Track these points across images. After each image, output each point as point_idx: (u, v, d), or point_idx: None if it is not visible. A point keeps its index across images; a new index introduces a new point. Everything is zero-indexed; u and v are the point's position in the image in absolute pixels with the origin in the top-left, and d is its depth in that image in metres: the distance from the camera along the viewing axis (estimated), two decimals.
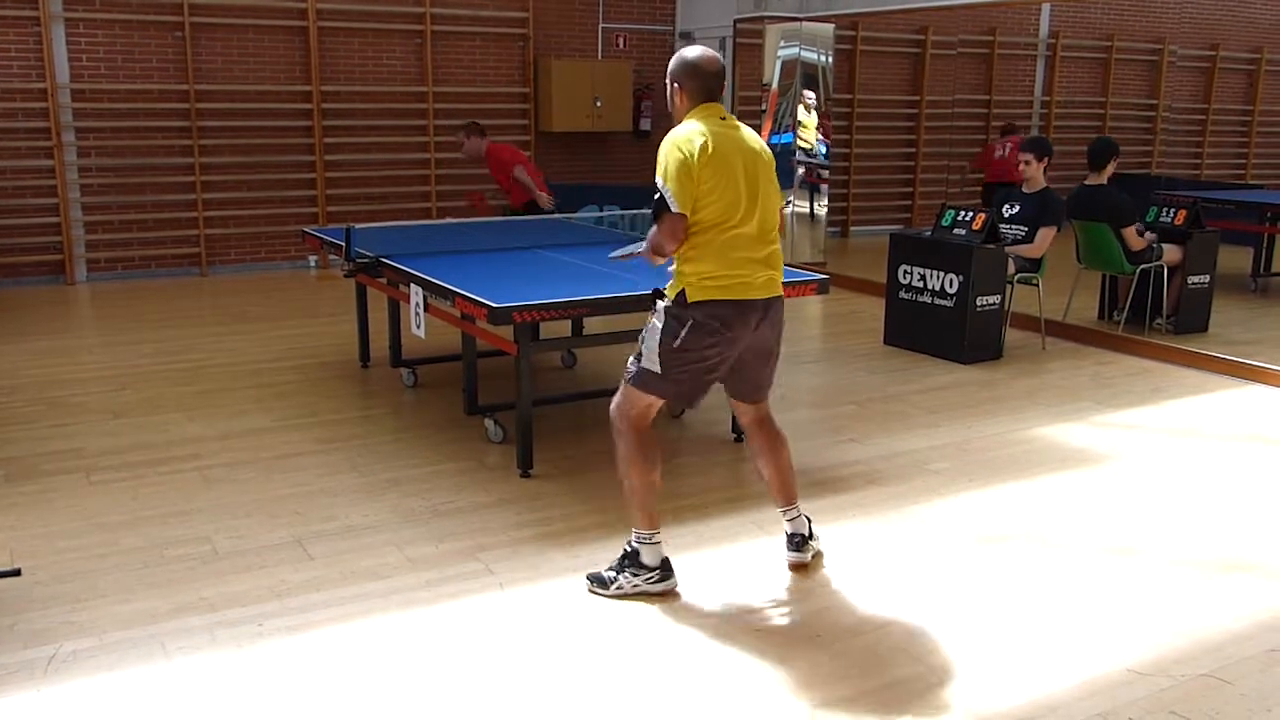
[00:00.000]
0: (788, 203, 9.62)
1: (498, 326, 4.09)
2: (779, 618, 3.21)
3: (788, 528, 3.54)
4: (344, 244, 5.16)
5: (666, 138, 3.13)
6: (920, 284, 6.49)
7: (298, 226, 8.85)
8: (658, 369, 3.21)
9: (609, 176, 10.75)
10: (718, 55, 3.25)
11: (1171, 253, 6.85)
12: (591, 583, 3.36)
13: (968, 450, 4.73)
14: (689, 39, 10.88)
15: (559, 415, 5.18)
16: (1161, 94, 12.04)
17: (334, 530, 3.79)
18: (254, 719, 2.66)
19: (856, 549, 3.70)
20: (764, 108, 9.78)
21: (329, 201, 9.39)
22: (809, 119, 9.60)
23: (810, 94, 9.54)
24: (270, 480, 4.28)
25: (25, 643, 2.99)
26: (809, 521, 3.59)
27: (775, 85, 9.62)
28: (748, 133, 3.26)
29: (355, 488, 4.21)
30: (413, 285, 4.73)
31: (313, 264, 9.44)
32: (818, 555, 3.60)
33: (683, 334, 3.16)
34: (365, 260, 5.12)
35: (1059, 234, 6.47)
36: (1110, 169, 6.78)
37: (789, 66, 9.48)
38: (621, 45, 10.61)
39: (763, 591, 3.38)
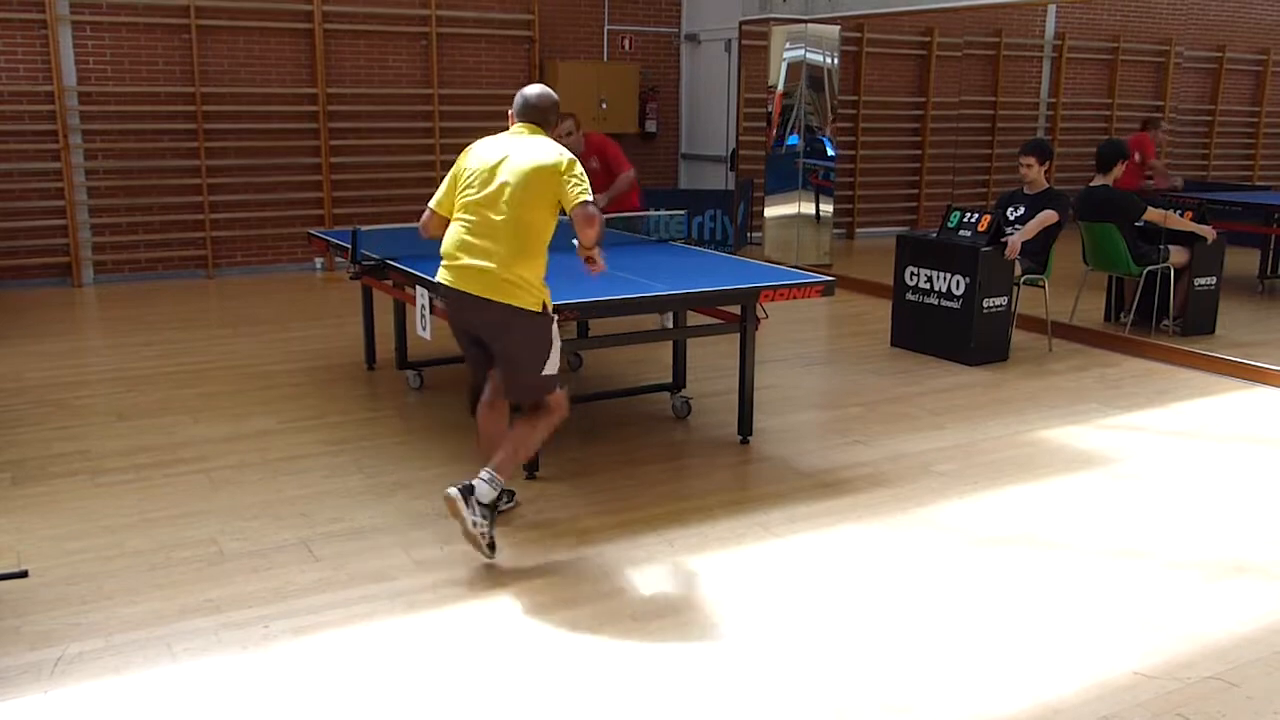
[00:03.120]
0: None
1: None
2: (785, 619, 3.20)
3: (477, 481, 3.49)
4: (350, 246, 5.17)
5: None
6: (927, 286, 6.48)
7: (304, 229, 8.85)
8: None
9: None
10: (547, 92, 3.84)
11: (1178, 254, 6.83)
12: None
13: (974, 452, 4.72)
14: (694, 41, 10.89)
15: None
16: (1168, 95, 12.02)
17: (340, 532, 3.79)
18: None
19: (862, 550, 3.69)
20: (769, 109, 9.78)
21: (335, 204, 9.40)
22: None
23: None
24: (276, 482, 4.28)
25: (32, 644, 3.00)
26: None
27: (780, 87, 9.62)
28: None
29: (361, 490, 4.21)
30: (418, 287, 4.73)
31: (319, 266, 9.45)
32: (470, 529, 3.43)
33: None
34: (371, 262, 5.13)
35: (1063, 231, 6.44)
36: (1117, 171, 6.76)
37: (794, 68, 9.47)
38: (627, 47, 10.62)
39: (769, 593, 3.38)
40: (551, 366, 3.59)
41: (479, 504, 3.44)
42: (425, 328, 4.78)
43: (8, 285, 8.38)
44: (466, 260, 3.52)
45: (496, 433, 3.73)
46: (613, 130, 10.33)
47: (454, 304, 3.61)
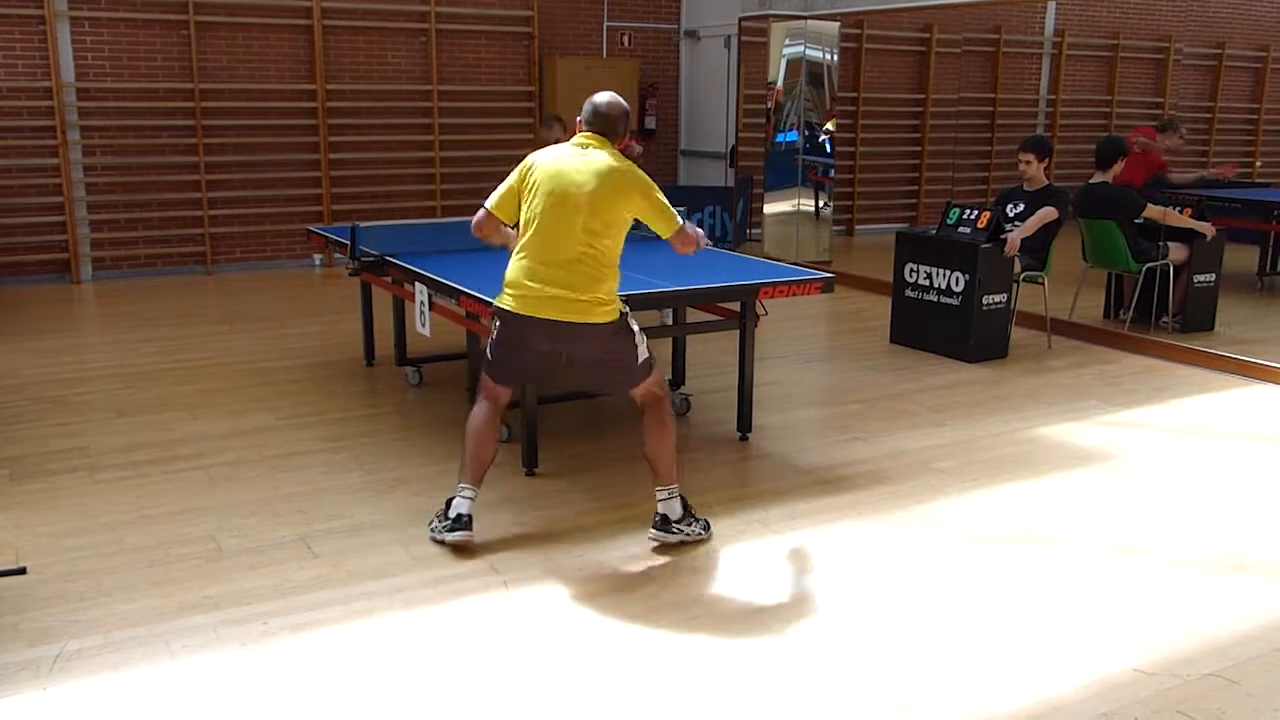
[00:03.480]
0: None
1: None
2: (784, 616, 3.20)
3: (659, 506, 3.69)
4: (349, 243, 5.16)
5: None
6: (926, 282, 6.47)
7: (303, 225, 8.83)
8: (489, 351, 3.68)
9: None
10: (618, 100, 3.76)
11: (1177, 251, 6.83)
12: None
13: (973, 449, 4.72)
14: (694, 37, 10.88)
15: (564, 414, 5.17)
16: (1167, 92, 12.01)
17: (339, 529, 3.79)
18: (259, 718, 2.66)
19: (861, 547, 3.69)
20: (769, 106, 9.77)
21: (334, 200, 9.39)
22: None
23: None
24: (275, 479, 4.28)
25: (30, 641, 2.99)
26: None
27: (780, 83, 9.61)
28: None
29: (360, 486, 4.21)
30: (418, 284, 4.73)
31: (318, 262, 9.44)
32: (691, 542, 3.66)
33: (496, 332, 3.63)
34: (370, 259, 5.12)
35: (1062, 228, 6.44)
36: (1117, 168, 6.76)
37: (794, 65, 9.46)
38: (626, 44, 10.61)
39: (768, 590, 3.38)
40: (644, 351, 3.62)
41: (677, 523, 3.65)
42: (424, 324, 4.78)
43: (6, 282, 8.37)
44: (541, 288, 3.43)
45: (487, 450, 3.70)
46: None
47: (525, 329, 3.50)
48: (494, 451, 3.72)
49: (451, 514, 3.63)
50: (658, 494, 3.68)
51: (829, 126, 9.62)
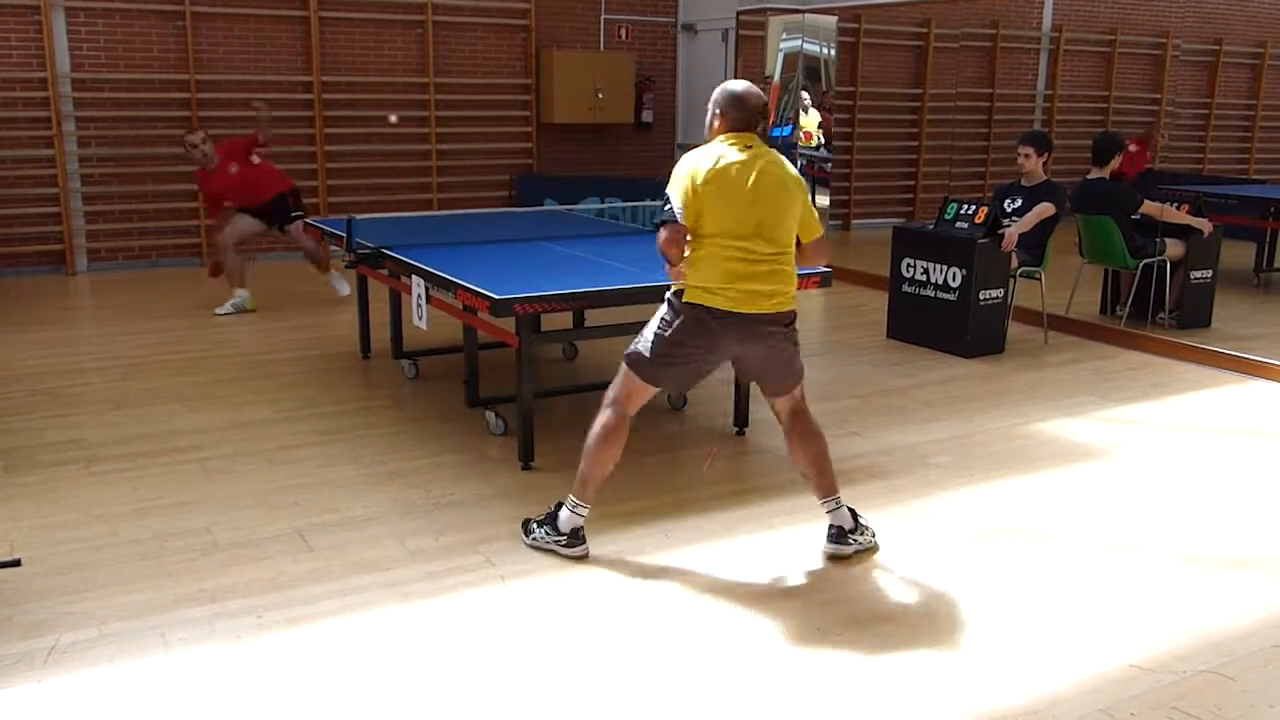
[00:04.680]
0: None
1: (499, 318, 4.08)
2: (780, 612, 3.20)
3: (829, 519, 3.59)
4: (345, 235, 5.15)
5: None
6: (923, 278, 6.47)
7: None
8: (646, 351, 3.46)
9: (610, 168, 10.72)
10: (756, 90, 3.54)
11: (1174, 247, 6.83)
12: (522, 526, 3.62)
13: (969, 444, 4.72)
14: (691, 30, 10.85)
15: (560, 407, 5.17)
16: (1165, 88, 12.00)
17: (334, 522, 3.78)
18: (254, 710, 2.65)
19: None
20: (766, 100, 9.75)
21: (330, 192, 9.37)
22: (809, 118, 9.58)
23: (806, 95, 9.51)
24: (271, 472, 4.27)
25: (25, 633, 2.98)
26: (853, 514, 3.62)
27: (777, 78, 9.59)
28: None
29: (356, 479, 4.20)
30: (414, 277, 4.71)
31: None
32: (865, 550, 3.58)
33: (672, 330, 3.41)
34: (366, 251, 5.11)
35: (1060, 224, 6.44)
36: (1114, 164, 6.75)
37: (791, 59, 9.45)
38: (623, 37, 10.58)
39: (764, 586, 3.37)
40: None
41: (850, 532, 3.56)
42: (421, 317, 4.77)
43: (1, 273, 8.34)
44: (743, 287, 3.33)
45: (609, 466, 3.56)
46: (609, 120, 10.33)
47: (718, 327, 3.36)
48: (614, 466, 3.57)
49: (565, 529, 3.51)
50: (825, 505, 3.57)
51: (806, 124, 9.57)
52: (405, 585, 3.31)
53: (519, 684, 2.79)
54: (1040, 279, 6.52)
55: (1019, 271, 6.45)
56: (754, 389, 4.95)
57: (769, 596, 3.30)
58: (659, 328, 3.45)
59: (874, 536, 3.64)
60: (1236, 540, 3.76)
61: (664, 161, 11.16)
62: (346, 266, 5.33)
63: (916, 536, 3.75)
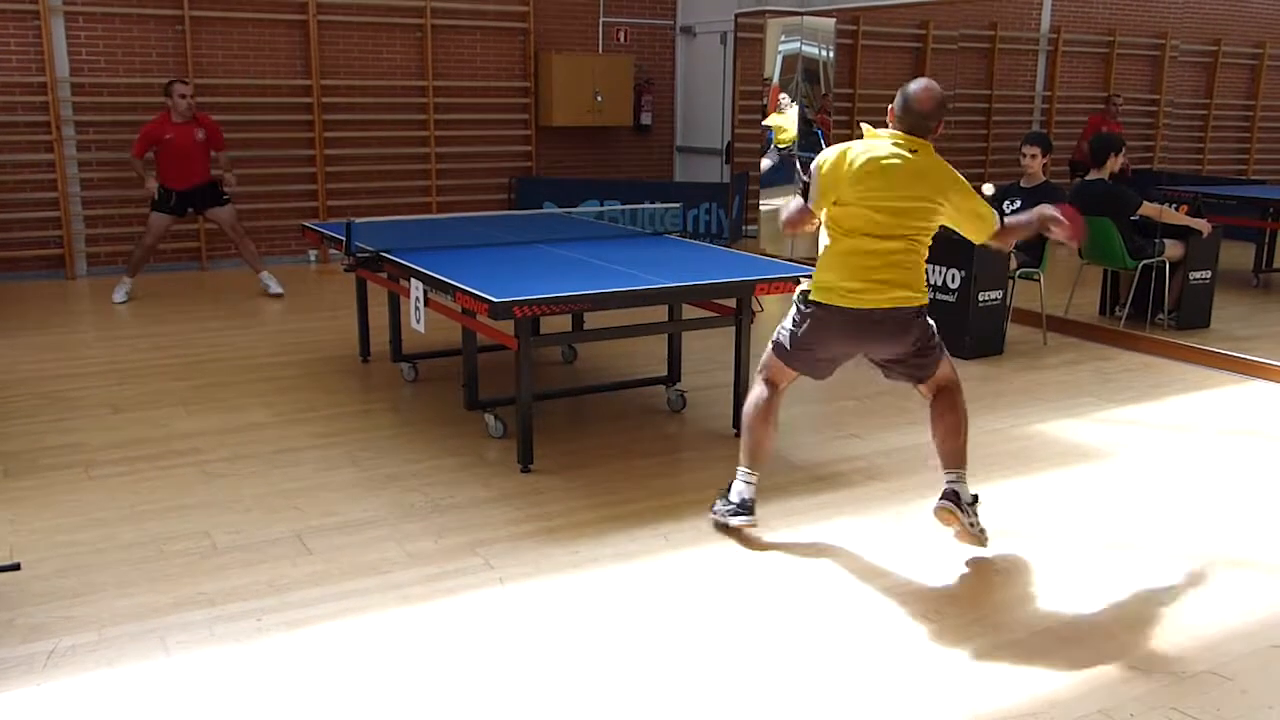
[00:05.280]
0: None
1: (498, 321, 4.08)
2: (777, 614, 3.20)
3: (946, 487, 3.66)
4: (344, 239, 5.15)
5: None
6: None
7: (298, 221, 8.82)
8: (786, 341, 3.62)
9: (610, 171, 10.74)
10: (932, 93, 3.57)
11: (1173, 248, 6.83)
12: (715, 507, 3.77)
13: (969, 445, 4.71)
14: (690, 33, 10.86)
15: (559, 410, 5.17)
16: (1163, 89, 12.01)
17: (333, 525, 3.78)
18: (254, 714, 2.65)
19: (856, 545, 3.69)
20: (764, 102, 9.76)
21: (329, 195, 9.37)
22: (786, 117, 9.59)
23: (786, 97, 9.53)
24: (270, 475, 4.27)
25: (24, 637, 2.98)
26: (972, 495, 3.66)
27: (776, 80, 9.60)
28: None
29: (355, 482, 4.20)
30: (413, 280, 4.72)
31: (312, 258, 9.43)
32: (968, 529, 3.59)
33: (804, 327, 3.56)
34: (366, 255, 5.11)
35: None
36: (1111, 164, 6.76)
37: (790, 61, 9.46)
38: (622, 39, 10.59)
39: (761, 588, 3.38)
40: (936, 335, 3.72)
41: (968, 505, 3.60)
42: (420, 320, 4.77)
43: (1, 278, 8.35)
44: (872, 285, 3.44)
45: (767, 437, 3.71)
46: (608, 123, 10.34)
47: (849, 324, 3.49)
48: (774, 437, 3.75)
49: (735, 498, 3.68)
50: (947, 476, 3.63)
51: (769, 119, 9.54)
52: (404, 588, 3.31)
53: (518, 686, 2.79)
54: (1039, 280, 6.52)
55: (1018, 273, 6.45)
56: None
57: (766, 599, 3.30)
58: (793, 317, 3.60)
59: (982, 533, 3.63)
60: (1236, 540, 3.76)
61: (664, 164, 11.19)
62: (346, 270, 5.33)
63: (915, 537, 3.75)
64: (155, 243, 7.82)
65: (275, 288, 7.99)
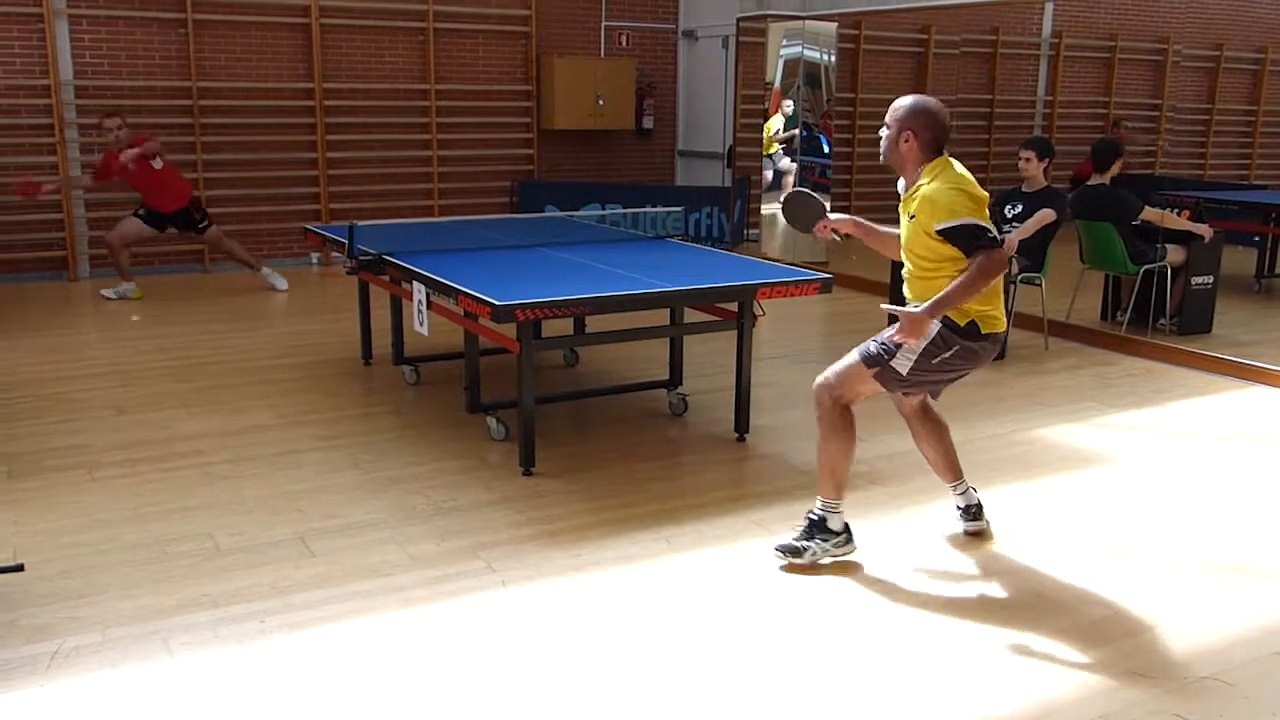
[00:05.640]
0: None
1: (500, 324, 4.09)
2: (779, 618, 3.21)
3: (959, 501, 3.79)
4: (347, 242, 5.16)
5: (942, 185, 3.30)
6: None
7: (300, 224, 8.82)
8: (904, 373, 3.44)
9: (611, 175, 10.75)
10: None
11: (1175, 253, 6.84)
12: (784, 554, 3.53)
13: (969, 450, 4.72)
14: (692, 37, 10.88)
15: (561, 414, 5.17)
16: (1165, 94, 12.02)
17: (336, 527, 3.79)
18: (257, 715, 2.66)
19: (858, 548, 3.69)
20: (766, 106, 9.78)
21: (331, 199, 9.38)
22: (775, 121, 9.62)
23: (789, 103, 9.55)
24: (272, 477, 4.28)
25: (28, 638, 2.99)
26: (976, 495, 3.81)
27: (778, 84, 9.61)
28: None
29: (357, 485, 4.21)
30: (416, 283, 4.73)
31: (315, 261, 9.44)
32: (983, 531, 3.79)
33: (947, 355, 3.40)
34: (368, 258, 5.12)
35: (1060, 231, 6.44)
36: (1114, 169, 6.77)
37: (791, 65, 9.47)
38: (624, 43, 10.61)
39: (763, 591, 3.38)
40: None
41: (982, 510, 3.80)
42: (422, 323, 4.78)
43: (4, 279, 8.36)
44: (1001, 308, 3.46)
45: (946, 445, 3.78)
46: (610, 127, 10.35)
47: (980, 349, 3.45)
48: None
49: (837, 527, 3.54)
50: (956, 488, 3.78)
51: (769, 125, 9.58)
52: (407, 590, 3.32)
53: (520, 689, 2.79)
54: (1041, 285, 6.52)
55: (1019, 277, 6.45)
56: (753, 400, 4.95)
57: (768, 602, 3.31)
58: (926, 346, 3.38)
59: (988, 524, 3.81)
60: (1238, 546, 3.77)
61: (665, 168, 11.20)
62: (348, 273, 5.34)
63: (916, 542, 3.75)
64: (128, 244, 7.87)
65: (280, 283, 8.16)
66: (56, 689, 2.76)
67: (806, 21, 9.34)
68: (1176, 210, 6.96)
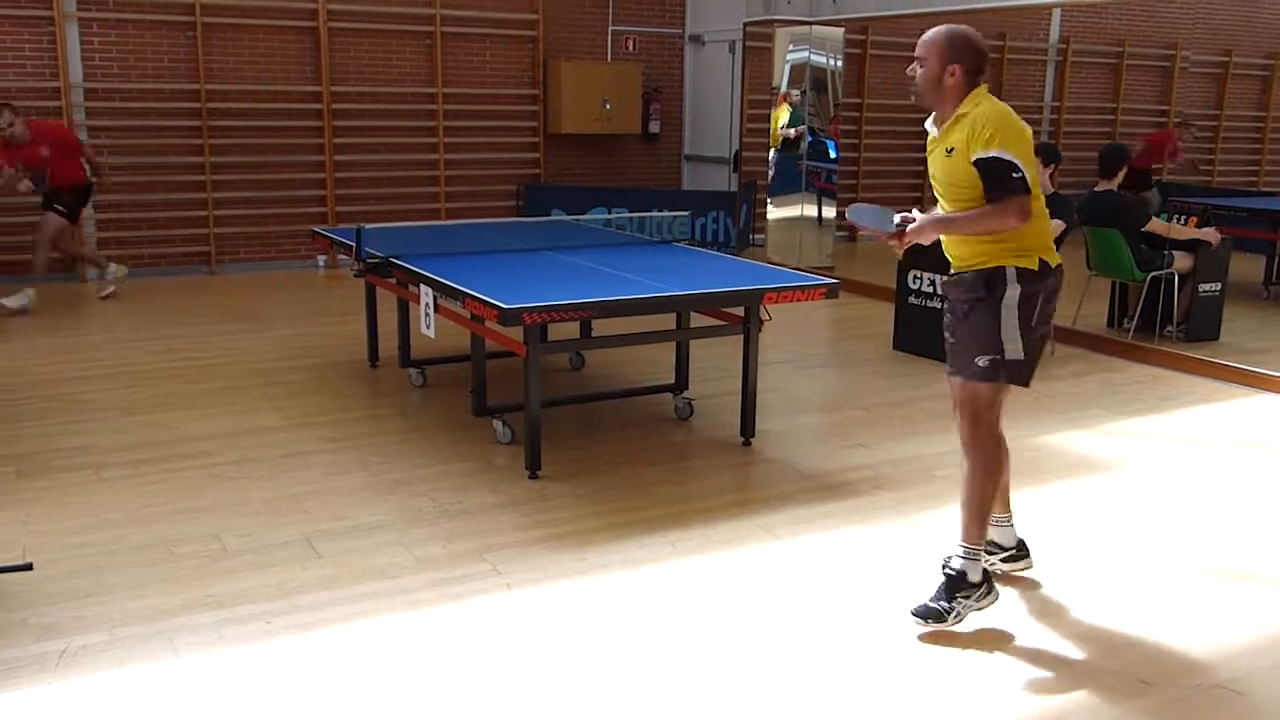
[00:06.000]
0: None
1: (507, 327, 4.10)
2: (784, 622, 3.20)
3: (999, 536, 3.45)
4: (354, 244, 5.17)
5: (986, 111, 3.01)
6: (930, 289, 6.47)
7: (307, 226, 8.85)
8: (1022, 354, 3.18)
9: (618, 178, 10.76)
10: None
11: (1182, 260, 6.83)
12: (925, 620, 3.11)
13: None
14: (698, 42, 10.89)
15: (567, 417, 5.18)
16: (1173, 100, 12.01)
17: (342, 529, 3.80)
18: (262, 716, 2.66)
19: (862, 554, 3.69)
20: (772, 111, 9.78)
21: (338, 201, 9.41)
22: (782, 113, 9.64)
23: (795, 92, 9.55)
24: (279, 479, 4.28)
25: (36, 637, 3.00)
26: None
27: (784, 88, 9.62)
28: None
29: (363, 487, 4.21)
30: (423, 286, 4.74)
31: (321, 264, 9.46)
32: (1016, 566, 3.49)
33: (1040, 306, 3.14)
34: (375, 260, 5.13)
35: (1068, 238, 6.43)
36: (1121, 176, 6.76)
37: (798, 70, 9.48)
38: (631, 48, 10.62)
39: (768, 596, 3.38)
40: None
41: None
42: (429, 326, 4.79)
43: (13, 280, 8.38)
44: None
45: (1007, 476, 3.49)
46: (616, 131, 10.36)
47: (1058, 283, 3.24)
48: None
49: (978, 577, 3.16)
50: (999, 521, 3.47)
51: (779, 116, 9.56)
52: (413, 593, 3.32)
53: (526, 691, 2.80)
54: None
55: None
56: (759, 405, 4.94)
57: (772, 607, 3.30)
58: (1023, 318, 3.12)
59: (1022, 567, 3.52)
60: (1246, 554, 3.76)
61: (671, 173, 11.21)
62: (355, 276, 5.35)
63: (922, 548, 3.75)
64: (53, 242, 7.78)
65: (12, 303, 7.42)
66: (64, 687, 2.76)
67: (813, 26, 9.34)
68: (1184, 217, 6.94)
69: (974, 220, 3.06)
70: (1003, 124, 3.00)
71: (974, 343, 3.21)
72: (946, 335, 3.33)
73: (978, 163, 3.00)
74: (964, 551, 3.17)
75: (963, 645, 3.06)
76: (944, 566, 3.18)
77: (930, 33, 3.11)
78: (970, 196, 3.08)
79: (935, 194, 3.27)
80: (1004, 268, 3.10)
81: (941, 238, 3.24)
